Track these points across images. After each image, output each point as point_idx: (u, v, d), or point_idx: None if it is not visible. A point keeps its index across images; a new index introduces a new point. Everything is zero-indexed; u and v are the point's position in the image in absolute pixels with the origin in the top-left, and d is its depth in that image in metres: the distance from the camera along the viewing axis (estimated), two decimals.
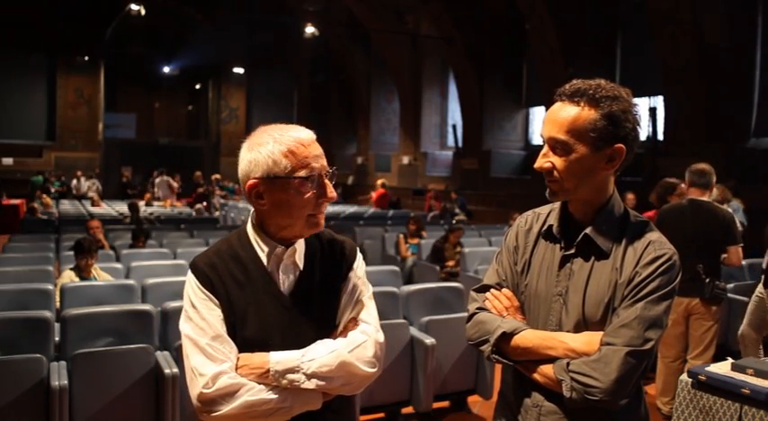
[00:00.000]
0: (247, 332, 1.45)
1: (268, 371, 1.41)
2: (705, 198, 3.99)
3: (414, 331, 3.93)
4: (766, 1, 11.05)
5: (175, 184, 17.16)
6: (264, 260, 1.50)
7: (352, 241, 1.67)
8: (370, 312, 1.57)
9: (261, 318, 1.47)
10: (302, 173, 1.45)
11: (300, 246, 1.53)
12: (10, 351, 3.16)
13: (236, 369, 1.42)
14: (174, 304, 3.71)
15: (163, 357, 3.35)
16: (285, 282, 1.50)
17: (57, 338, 3.51)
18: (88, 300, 4.09)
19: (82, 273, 4.84)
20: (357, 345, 1.48)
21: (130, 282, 4.63)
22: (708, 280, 3.83)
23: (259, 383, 1.41)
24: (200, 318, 1.44)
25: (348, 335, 1.50)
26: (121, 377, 3.20)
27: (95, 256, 4.96)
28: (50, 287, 4.38)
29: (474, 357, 4.09)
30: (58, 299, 4.33)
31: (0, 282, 4.54)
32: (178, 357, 3.29)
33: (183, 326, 1.46)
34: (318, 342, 1.47)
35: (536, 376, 1.48)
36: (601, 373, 1.37)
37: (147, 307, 3.71)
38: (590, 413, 1.43)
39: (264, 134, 1.49)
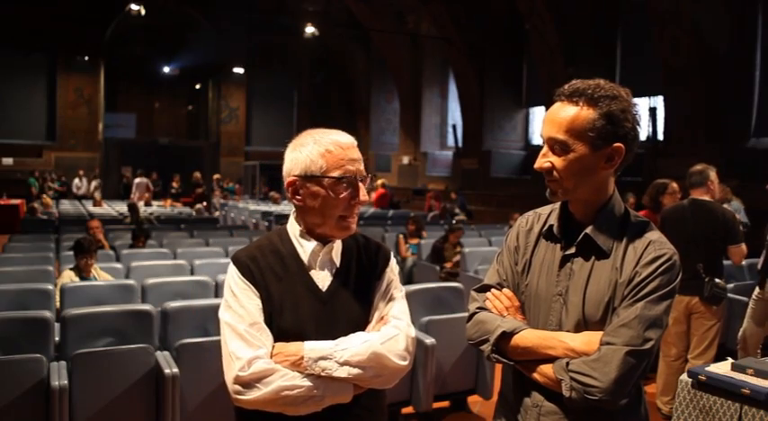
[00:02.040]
0: (284, 323, 1.51)
1: (302, 358, 1.46)
2: (707, 197, 3.99)
3: (414, 331, 3.92)
4: (766, 1, 11.06)
5: (152, 186, 17.07)
6: (303, 256, 1.57)
7: (387, 247, 1.74)
8: (401, 309, 1.64)
9: (297, 311, 1.53)
10: (336, 173, 1.53)
11: (338, 244, 1.60)
12: (10, 351, 3.16)
13: (272, 356, 1.47)
14: (174, 304, 3.71)
15: (163, 357, 3.35)
16: (322, 277, 1.57)
17: (57, 338, 3.51)
18: (88, 300, 4.09)
19: (82, 272, 4.84)
20: (389, 338, 1.54)
21: (130, 282, 4.63)
22: (707, 279, 3.83)
23: (293, 371, 1.46)
24: (240, 306, 1.51)
25: (381, 329, 1.56)
26: (121, 377, 3.20)
27: (95, 256, 4.96)
28: (50, 287, 4.37)
29: (474, 357, 4.09)
30: (58, 299, 4.33)
31: (0, 282, 4.54)
32: (178, 357, 3.29)
33: (223, 314, 1.53)
34: (352, 334, 1.53)
35: (536, 376, 1.48)
36: (600, 373, 1.37)
37: (147, 307, 3.71)
38: (590, 413, 1.43)
39: (308, 136, 1.58)
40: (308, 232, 1.58)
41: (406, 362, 1.55)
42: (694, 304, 3.92)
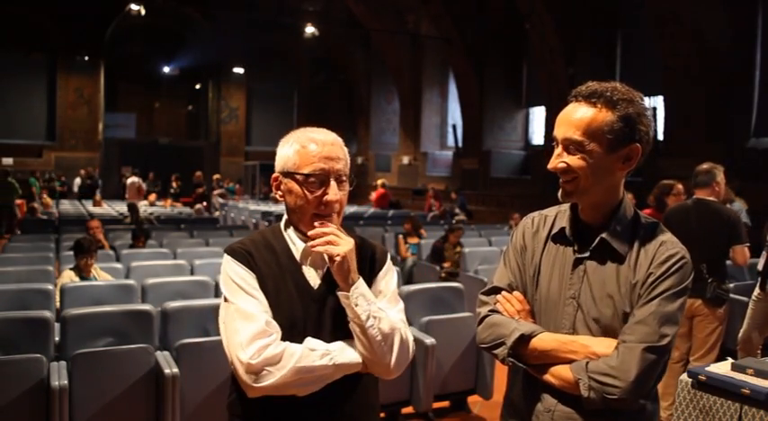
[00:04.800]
0: (274, 317, 1.49)
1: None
2: (712, 197, 3.93)
3: (414, 331, 3.93)
4: (766, 1, 11.05)
5: (144, 187, 16.88)
6: (295, 253, 1.57)
7: (384, 248, 1.70)
8: (398, 316, 1.60)
9: (288, 307, 1.51)
10: (306, 170, 1.52)
11: None
12: (10, 351, 3.16)
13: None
14: (174, 304, 3.71)
15: (163, 357, 3.35)
16: (314, 275, 1.56)
17: (57, 338, 3.51)
18: (88, 300, 4.09)
19: (82, 272, 4.83)
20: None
21: (130, 282, 4.63)
22: (710, 280, 3.78)
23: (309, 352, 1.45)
24: (247, 294, 1.49)
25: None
26: (121, 377, 3.20)
27: (95, 256, 4.96)
28: (50, 287, 4.37)
29: (474, 357, 4.09)
30: (58, 299, 4.33)
31: (0, 282, 4.54)
32: (178, 357, 3.29)
33: (234, 300, 1.49)
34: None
35: (550, 378, 1.47)
36: (620, 372, 1.37)
37: (147, 307, 3.71)
38: (605, 415, 1.42)
39: (293, 133, 1.59)
40: (296, 229, 1.59)
41: (402, 367, 1.57)
42: (697, 307, 3.86)
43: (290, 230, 1.59)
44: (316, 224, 1.51)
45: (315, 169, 1.51)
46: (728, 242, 3.86)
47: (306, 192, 1.51)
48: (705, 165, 3.99)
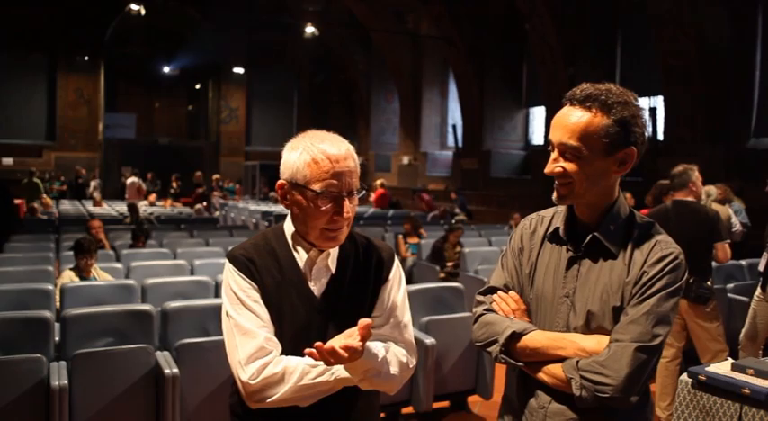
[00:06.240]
0: (279, 330, 1.48)
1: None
2: (690, 198, 3.97)
3: (414, 331, 3.91)
4: (766, 1, 11.06)
5: (144, 187, 16.90)
6: (299, 261, 1.53)
7: (390, 249, 1.66)
8: (405, 334, 1.62)
9: (292, 317, 1.50)
10: (317, 186, 1.45)
11: (334, 250, 1.55)
12: (10, 351, 3.16)
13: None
14: (174, 304, 3.71)
15: (163, 357, 3.34)
16: (317, 284, 1.53)
17: (57, 338, 3.51)
18: (88, 300, 4.08)
19: (82, 272, 4.83)
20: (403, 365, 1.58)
21: (130, 282, 4.62)
22: (692, 280, 3.77)
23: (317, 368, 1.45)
24: (246, 307, 1.47)
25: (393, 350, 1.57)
26: (121, 377, 3.20)
27: (95, 256, 4.96)
28: (50, 287, 4.37)
29: (474, 357, 4.09)
30: (58, 299, 4.33)
31: (0, 282, 4.54)
32: (178, 357, 3.29)
33: (233, 315, 1.48)
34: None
35: (543, 376, 1.48)
36: (611, 370, 1.37)
37: (147, 307, 3.71)
38: (597, 413, 1.43)
39: (303, 139, 1.51)
40: (302, 239, 1.54)
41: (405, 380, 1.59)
42: (686, 309, 3.88)
43: (293, 237, 1.55)
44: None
45: (327, 186, 1.45)
46: (709, 240, 3.87)
47: (316, 207, 1.46)
48: (679, 167, 4.02)
